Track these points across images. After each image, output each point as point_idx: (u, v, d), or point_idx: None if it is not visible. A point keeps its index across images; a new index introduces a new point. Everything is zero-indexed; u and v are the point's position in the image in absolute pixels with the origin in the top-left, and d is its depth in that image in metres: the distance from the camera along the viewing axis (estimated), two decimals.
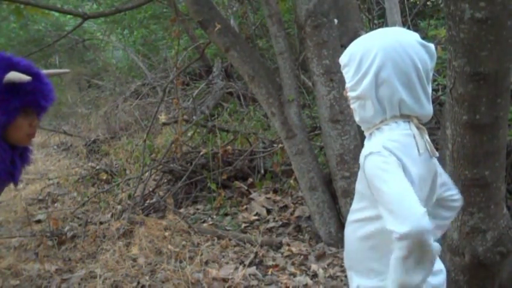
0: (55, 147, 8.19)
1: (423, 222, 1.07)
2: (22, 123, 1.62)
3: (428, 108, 1.25)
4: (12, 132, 1.61)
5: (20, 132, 1.62)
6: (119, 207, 4.15)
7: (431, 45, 1.24)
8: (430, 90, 1.25)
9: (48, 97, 1.65)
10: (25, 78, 1.55)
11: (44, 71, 1.69)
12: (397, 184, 1.12)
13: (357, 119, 1.29)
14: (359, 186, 1.29)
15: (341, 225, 3.22)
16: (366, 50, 1.22)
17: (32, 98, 1.60)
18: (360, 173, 1.26)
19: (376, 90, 1.21)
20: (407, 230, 1.07)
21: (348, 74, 1.26)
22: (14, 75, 1.53)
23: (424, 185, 1.23)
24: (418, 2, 6.90)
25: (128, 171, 5.36)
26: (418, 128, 1.24)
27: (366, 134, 1.30)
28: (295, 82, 3.42)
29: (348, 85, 1.27)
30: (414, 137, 1.23)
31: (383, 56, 1.19)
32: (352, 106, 1.28)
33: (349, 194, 3.05)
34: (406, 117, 1.24)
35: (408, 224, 1.07)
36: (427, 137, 1.26)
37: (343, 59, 1.28)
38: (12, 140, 1.62)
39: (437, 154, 1.28)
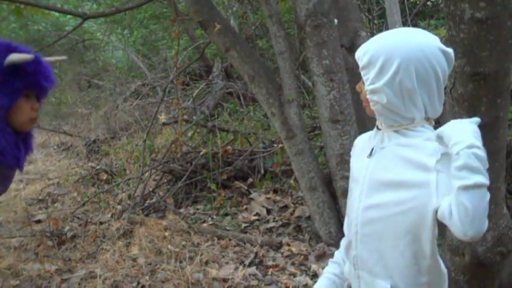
0: (55, 147, 8.18)
1: None
2: (24, 106, 1.63)
3: (440, 109, 1.26)
4: (14, 115, 1.62)
5: (22, 116, 1.63)
6: (119, 207, 4.15)
7: (451, 51, 1.23)
8: (443, 92, 1.25)
9: (49, 78, 1.66)
10: (27, 56, 1.56)
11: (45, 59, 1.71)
12: None
13: (381, 119, 1.28)
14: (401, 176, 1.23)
15: (341, 225, 3.21)
16: (388, 55, 1.20)
17: (34, 79, 1.61)
18: (403, 163, 1.21)
19: (402, 101, 1.21)
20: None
21: (367, 76, 1.24)
22: (15, 56, 1.55)
23: None
24: (418, 2, 6.90)
25: (127, 171, 5.36)
26: None
27: (388, 129, 1.28)
28: (295, 82, 3.42)
29: (367, 88, 1.25)
30: None
31: (406, 66, 1.19)
32: (373, 108, 1.26)
33: None
34: (427, 119, 1.25)
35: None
36: None
37: (362, 59, 1.26)
38: (15, 124, 1.63)
39: None
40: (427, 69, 1.19)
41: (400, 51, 1.20)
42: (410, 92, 1.20)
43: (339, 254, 1.49)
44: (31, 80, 1.61)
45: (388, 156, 1.26)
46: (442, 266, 1.29)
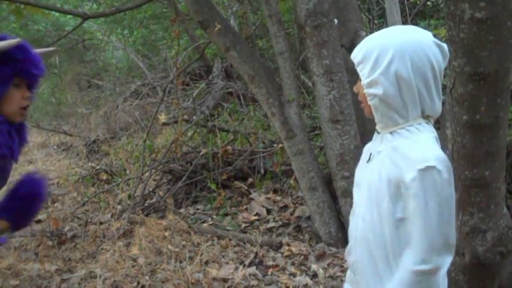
0: (55, 147, 8.17)
1: (445, 263, 1.19)
2: (15, 95, 1.63)
3: (439, 106, 1.25)
4: (5, 104, 1.62)
5: (13, 105, 1.63)
6: (119, 207, 4.15)
7: (445, 45, 1.23)
8: (441, 87, 1.24)
9: (39, 66, 1.67)
10: (13, 41, 1.57)
11: (36, 50, 1.72)
12: (445, 220, 1.18)
13: (377, 116, 1.26)
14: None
15: (341, 225, 3.22)
16: (382, 48, 1.20)
17: (23, 67, 1.62)
18: (394, 174, 1.23)
19: (398, 90, 1.20)
20: (430, 268, 1.18)
21: (363, 71, 1.23)
22: (2, 43, 1.56)
23: None
24: (418, 2, 6.90)
25: (128, 171, 5.36)
26: None
27: (384, 131, 1.27)
28: (295, 82, 3.42)
29: (364, 82, 1.24)
30: (436, 139, 1.24)
31: (401, 55, 1.18)
32: (370, 103, 1.25)
33: (349, 194, 3.03)
34: (425, 117, 1.24)
35: (431, 264, 1.17)
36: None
37: (357, 56, 1.25)
38: (6, 114, 1.63)
39: None
40: (422, 59, 1.19)
41: (394, 42, 1.20)
42: (406, 81, 1.19)
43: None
44: (20, 68, 1.61)
45: (382, 162, 1.26)
46: None
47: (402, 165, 1.19)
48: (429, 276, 1.18)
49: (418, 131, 1.22)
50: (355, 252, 1.34)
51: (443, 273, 1.22)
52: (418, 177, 1.15)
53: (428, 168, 1.15)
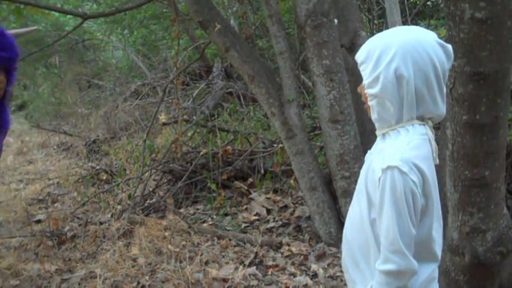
0: (55, 147, 8.18)
1: (410, 264, 1.17)
2: None
3: (443, 109, 1.24)
4: None
5: None
6: (119, 207, 4.15)
7: (449, 46, 1.22)
8: (445, 90, 1.23)
9: (8, 48, 1.64)
10: None
11: (13, 31, 1.70)
12: (403, 220, 1.16)
13: (373, 116, 1.26)
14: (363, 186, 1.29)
15: (341, 225, 3.22)
16: (384, 47, 1.20)
17: None
18: (370, 175, 1.25)
19: (397, 89, 1.19)
20: (393, 268, 1.16)
21: (366, 70, 1.23)
22: None
23: (435, 190, 1.23)
24: (418, 2, 6.91)
25: (128, 171, 5.36)
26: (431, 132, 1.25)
27: (378, 133, 1.28)
28: (295, 82, 3.42)
29: (365, 82, 1.24)
30: (430, 142, 1.23)
31: (402, 54, 1.18)
32: (369, 103, 1.25)
33: (349, 194, 3.05)
34: (421, 120, 1.23)
35: (394, 263, 1.16)
36: (434, 143, 1.25)
37: (360, 56, 1.26)
38: None
39: (438, 161, 1.27)
40: (424, 59, 1.18)
41: (396, 42, 1.20)
42: (406, 80, 1.18)
43: None
44: None
45: (368, 164, 1.28)
46: None
47: (377, 166, 1.20)
48: (397, 278, 1.17)
49: (407, 132, 1.21)
50: (343, 250, 1.38)
51: (420, 281, 1.22)
52: (382, 176, 1.17)
53: (390, 167, 1.15)
